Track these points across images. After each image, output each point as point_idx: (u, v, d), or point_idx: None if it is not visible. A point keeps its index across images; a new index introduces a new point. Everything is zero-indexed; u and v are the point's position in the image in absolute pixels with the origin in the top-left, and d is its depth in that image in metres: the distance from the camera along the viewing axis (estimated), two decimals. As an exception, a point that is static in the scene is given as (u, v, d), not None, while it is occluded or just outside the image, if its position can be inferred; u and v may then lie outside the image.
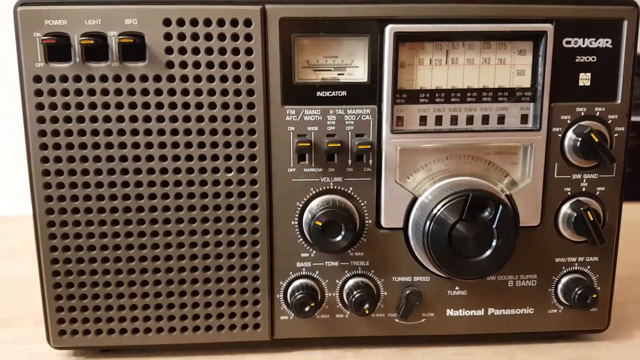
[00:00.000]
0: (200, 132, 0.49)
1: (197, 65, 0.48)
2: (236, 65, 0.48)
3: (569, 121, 0.51)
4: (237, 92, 0.49)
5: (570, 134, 0.51)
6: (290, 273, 0.53)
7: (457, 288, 0.54)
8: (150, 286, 0.51)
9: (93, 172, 0.49)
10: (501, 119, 0.51)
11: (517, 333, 0.56)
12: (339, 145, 0.49)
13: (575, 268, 0.54)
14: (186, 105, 0.48)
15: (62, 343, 0.52)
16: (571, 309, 0.54)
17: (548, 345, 0.56)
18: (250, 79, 0.49)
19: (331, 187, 0.51)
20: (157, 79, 0.48)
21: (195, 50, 0.48)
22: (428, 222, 0.48)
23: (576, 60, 0.50)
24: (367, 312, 0.51)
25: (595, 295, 0.53)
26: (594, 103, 0.51)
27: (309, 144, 0.49)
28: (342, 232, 0.49)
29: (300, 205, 0.51)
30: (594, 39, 0.50)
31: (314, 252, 0.52)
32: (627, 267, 0.76)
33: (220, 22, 0.47)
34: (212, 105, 0.49)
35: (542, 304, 0.55)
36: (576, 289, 0.53)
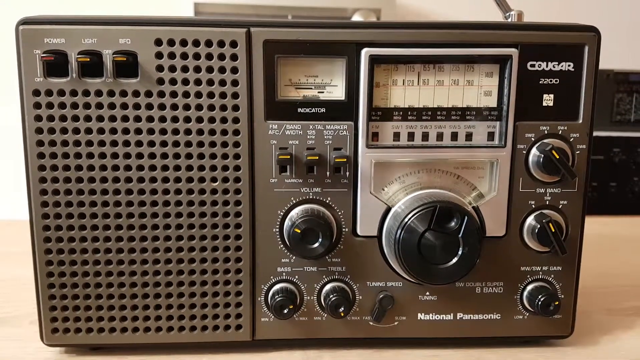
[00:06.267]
0: (188, 144, 0.52)
1: (186, 82, 0.51)
2: (222, 82, 0.52)
3: (533, 139, 0.54)
4: (223, 108, 0.52)
5: (534, 151, 0.54)
6: (271, 277, 0.56)
7: (427, 293, 0.57)
8: (139, 288, 0.55)
9: (87, 180, 0.52)
10: (469, 136, 0.55)
11: (486, 337, 0.59)
12: (318, 158, 0.53)
13: (540, 277, 0.57)
14: (175, 119, 0.52)
15: (55, 340, 0.55)
16: (536, 316, 0.58)
17: (515, 349, 0.59)
18: (235, 95, 0.52)
19: (310, 197, 0.55)
20: (149, 94, 0.51)
21: (185, 69, 0.51)
22: (399, 231, 0.52)
23: (540, 82, 0.54)
24: (342, 314, 0.55)
25: (557, 303, 0.56)
26: (556, 122, 0.54)
27: (289, 157, 0.53)
28: (320, 239, 0.53)
29: (282, 213, 0.55)
30: (556, 63, 0.54)
31: (294, 257, 0.56)
32: (595, 277, 0.79)
33: (208, 43, 0.51)
34: (200, 120, 0.52)
35: (509, 310, 0.58)
36: (540, 296, 0.56)
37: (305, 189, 0.54)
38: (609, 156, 1.86)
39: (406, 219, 0.51)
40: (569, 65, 0.54)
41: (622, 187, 1.88)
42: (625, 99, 1.89)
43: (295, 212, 0.54)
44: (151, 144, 0.52)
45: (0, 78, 1.59)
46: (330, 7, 1.91)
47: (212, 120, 0.52)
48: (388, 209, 0.55)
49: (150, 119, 0.52)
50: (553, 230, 0.54)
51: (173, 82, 0.51)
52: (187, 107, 0.52)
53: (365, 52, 0.52)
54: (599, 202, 1.85)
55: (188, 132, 0.52)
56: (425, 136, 0.54)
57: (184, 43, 0.51)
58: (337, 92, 0.53)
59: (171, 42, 0.51)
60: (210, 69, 0.51)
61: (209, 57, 0.51)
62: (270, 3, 1.86)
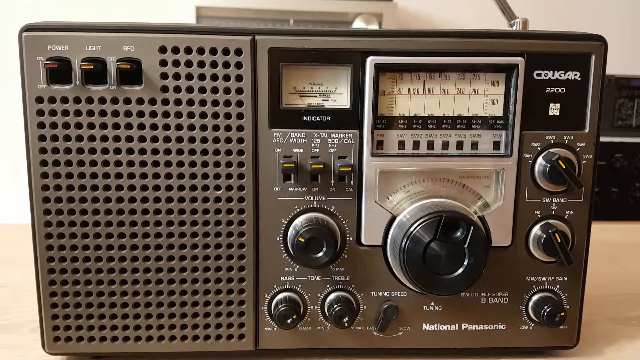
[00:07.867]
0: (192, 152, 0.52)
1: (190, 90, 0.51)
2: (227, 90, 0.51)
3: (539, 148, 0.54)
4: (228, 116, 0.52)
5: (540, 160, 0.54)
6: (275, 286, 0.55)
7: (432, 303, 0.57)
8: (141, 297, 0.54)
9: (90, 187, 0.52)
10: (475, 145, 0.54)
11: (491, 348, 0.58)
12: (322, 166, 0.53)
13: (545, 287, 0.57)
14: (179, 127, 0.51)
15: (57, 349, 0.55)
16: (541, 326, 0.57)
17: (521, 360, 0.59)
18: (240, 103, 0.52)
19: (315, 206, 0.54)
20: (152, 102, 0.51)
21: (189, 76, 0.51)
22: (404, 240, 0.51)
23: (546, 91, 0.54)
24: (346, 324, 0.54)
25: (563, 313, 0.55)
26: (563, 132, 0.54)
27: (293, 165, 0.52)
28: (324, 249, 0.52)
29: (285, 222, 0.54)
30: (563, 72, 0.53)
31: (298, 267, 0.55)
32: (597, 285, 0.79)
33: (213, 51, 0.51)
34: (204, 127, 0.52)
35: (514, 321, 0.57)
36: (545, 307, 0.55)
37: (310, 198, 0.54)
38: (610, 162, 1.86)
39: (411, 229, 0.51)
40: (575, 75, 0.54)
41: (623, 192, 1.87)
42: (626, 105, 1.88)
43: (299, 221, 0.54)
44: (155, 151, 0.52)
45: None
46: (332, 11, 1.91)
47: (216, 128, 0.52)
48: (393, 218, 0.54)
49: (154, 126, 0.51)
50: (559, 241, 0.53)
51: (177, 89, 0.51)
52: (191, 114, 0.51)
53: (370, 60, 0.51)
54: (601, 207, 1.85)
55: (192, 140, 0.52)
56: (430, 145, 0.54)
57: (188, 51, 0.50)
58: (342, 100, 0.53)
59: (175, 50, 0.50)
60: (214, 77, 0.51)
61: (214, 64, 0.51)
62: (272, 7, 1.86)
